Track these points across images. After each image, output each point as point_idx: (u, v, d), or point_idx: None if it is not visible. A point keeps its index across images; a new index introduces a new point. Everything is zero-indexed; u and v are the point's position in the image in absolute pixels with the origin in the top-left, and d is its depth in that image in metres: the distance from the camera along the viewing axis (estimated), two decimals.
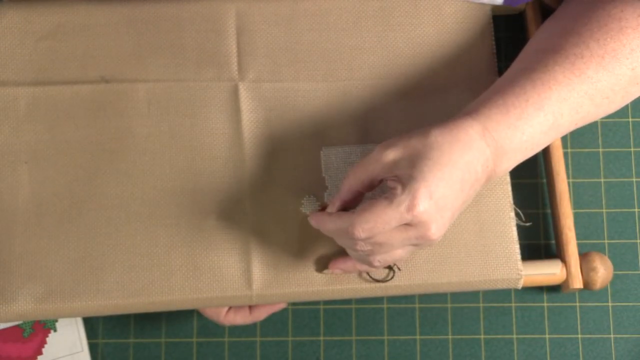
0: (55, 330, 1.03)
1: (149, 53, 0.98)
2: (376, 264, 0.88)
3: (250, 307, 0.99)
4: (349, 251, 0.90)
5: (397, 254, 0.87)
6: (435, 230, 0.83)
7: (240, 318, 0.99)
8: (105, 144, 0.96)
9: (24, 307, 0.92)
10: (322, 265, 0.95)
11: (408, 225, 0.83)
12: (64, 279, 0.93)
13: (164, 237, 0.95)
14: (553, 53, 0.91)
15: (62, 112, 0.97)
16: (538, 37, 0.96)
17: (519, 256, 0.96)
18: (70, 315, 0.94)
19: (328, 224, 0.88)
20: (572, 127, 0.91)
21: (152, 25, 0.99)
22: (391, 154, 0.85)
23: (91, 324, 1.05)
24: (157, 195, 0.95)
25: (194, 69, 0.98)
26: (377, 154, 0.86)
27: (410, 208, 0.82)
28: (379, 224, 0.83)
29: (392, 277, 0.95)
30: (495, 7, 1.03)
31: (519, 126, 0.87)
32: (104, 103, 0.97)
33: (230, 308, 0.98)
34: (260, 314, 0.99)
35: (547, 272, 1.00)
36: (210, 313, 0.98)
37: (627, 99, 0.93)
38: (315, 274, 0.95)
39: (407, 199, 0.82)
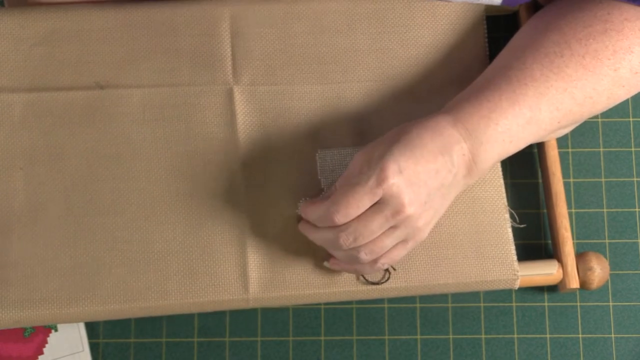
0: (56, 330, 1.04)
1: (143, 58, 0.98)
2: (363, 256, 0.88)
3: None
4: (337, 253, 0.91)
5: (384, 244, 0.88)
6: (409, 203, 0.85)
7: None
8: (101, 149, 0.96)
9: (20, 313, 0.93)
10: (319, 267, 0.95)
11: (381, 203, 0.85)
12: (60, 284, 0.93)
13: (160, 242, 0.95)
14: (533, 50, 0.91)
15: (57, 118, 0.97)
16: (520, 34, 0.97)
17: (514, 257, 0.96)
18: (67, 320, 0.94)
19: (309, 213, 0.90)
20: (556, 125, 0.92)
21: (146, 30, 0.99)
22: (369, 153, 0.87)
23: (92, 324, 1.05)
24: (152, 200, 0.95)
25: (189, 73, 0.98)
26: (355, 160, 0.88)
27: (379, 182, 0.84)
28: (352, 203, 0.85)
29: (387, 279, 0.95)
30: (489, 8, 1.03)
31: (492, 118, 0.88)
32: (98, 109, 0.97)
33: None
34: None
35: (543, 272, 1.00)
36: None
37: (613, 101, 0.93)
38: (312, 276, 0.95)
39: (374, 173, 0.84)
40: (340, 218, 0.86)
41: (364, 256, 0.88)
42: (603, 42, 0.90)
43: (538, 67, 0.90)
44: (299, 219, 0.96)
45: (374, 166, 0.85)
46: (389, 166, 0.84)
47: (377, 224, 0.86)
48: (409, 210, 0.85)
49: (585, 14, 0.92)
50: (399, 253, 0.91)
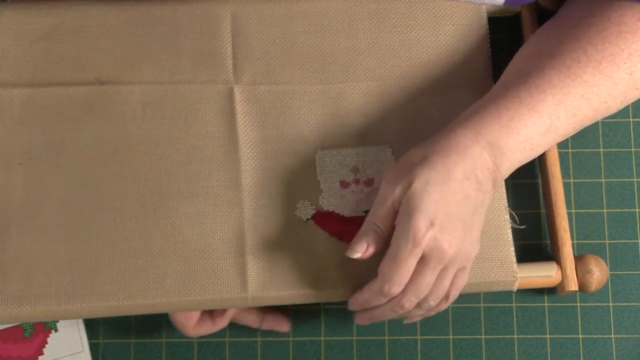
0: (56, 331, 1.04)
1: (144, 55, 0.98)
2: (432, 303, 0.90)
3: (212, 315, 1.00)
4: (404, 314, 0.93)
5: (444, 285, 0.90)
6: (449, 247, 0.86)
7: (205, 329, 1.00)
8: (101, 146, 0.96)
9: (18, 309, 0.92)
10: (318, 267, 0.95)
11: (425, 257, 0.86)
12: (59, 280, 0.93)
13: (159, 239, 0.95)
14: (550, 57, 0.91)
15: (57, 114, 0.97)
16: (535, 40, 0.96)
17: (514, 259, 0.96)
18: (66, 317, 0.94)
19: (364, 299, 0.92)
20: (571, 130, 0.92)
21: (147, 27, 0.99)
22: (397, 188, 0.88)
23: (92, 324, 1.06)
24: (152, 198, 0.95)
25: (189, 71, 0.98)
26: (386, 193, 0.89)
27: (416, 243, 0.85)
28: (402, 272, 0.86)
29: None
30: (491, 8, 1.02)
31: (512, 126, 0.88)
32: (99, 105, 0.97)
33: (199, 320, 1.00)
34: (223, 321, 1.01)
35: (542, 274, 1.00)
36: (179, 324, 1.00)
37: (626, 103, 0.93)
38: (311, 275, 0.95)
39: (409, 236, 0.85)
40: (397, 288, 0.87)
41: (433, 303, 0.90)
42: (618, 45, 0.90)
43: (556, 74, 0.90)
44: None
45: (406, 227, 0.86)
46: (420, 225, 0.85)
47: (430, 276, 0.87)
48: (450, 251, 0.86)
49: (597, 18, 0.92)
50: (462, 280, 0.92)
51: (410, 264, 0.86)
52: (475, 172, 0.87)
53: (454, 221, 0.86)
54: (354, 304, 0.94)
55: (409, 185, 0.87)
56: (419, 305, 0.90)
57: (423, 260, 0.86)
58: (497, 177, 0.89)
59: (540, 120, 0.89)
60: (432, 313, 0.95)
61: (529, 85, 0.90)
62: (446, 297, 0.91)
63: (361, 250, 0.90)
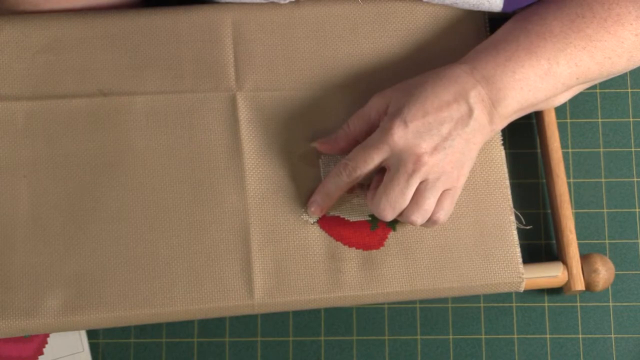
0: None
1: (146, 65, 0.98)
2: (416, 219, 0.90)
3: None
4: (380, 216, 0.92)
5: (428, 202, 0.89)
6: (424, 150, 0.86)
7: None
8: (104, 157, 0.96)
9: (24, 321, 0.92)
10: (324, 273, 0.95)
11: (399, 163, 0.87)
12: (65, 292, 0.93)
13: (165, 249, 0.94)
14: (554, 9, 0.92)
15: (60, 126, 0.97)
16: None
17: (520, 259, 0.96)
18: (73, 328, 0.94)
19: (326, 184, 0.94)
20: (574, 80, 0.92)
21: (148, 37, 0.98)
22: (383, 100, 0.91)
23: None
24: (157, 207, 0.95)
25: (192, 80, 0.98)
26: (372, 102, 0.91)
27: (384, 139, 0.87)
28: (361, 152, 0.89)
29: None
30: (491, 14, 1.02)
31: (508, 65, 0.89)
32: (102, 116, 0.97)
33: None
34: None
35: (548, 274, 1.00)
36: None
37: (633, 63, 0.94)
38: (318, 281, 0.95)
39: (380, 132, 0.87)
40: (353, 165, 0.89)
41: (417, 219, 0.90)
42: (627, 7, 0.91)
43: (558, 25, 0.91)
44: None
45: (381, 124, 0.88)
46: (392, 123, 0.87)
47: (402, 182, 0.87)
48: (425, 156, 0.86)
49: None
50: (449, 202, 0.91)
51: (373, 154, 0.88)
52: (468, 98, 0.88)
53: (433, 133, 0.87)
54: (317, 196, 0.95)
55: (394, 99, 0.89)
56: (402, 217, 0.90)
57: (396, 166, 0.87)
58: (493, 113, 0.90)
59: (538, 63, 0.90)
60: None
61: (529, 32, 0.91)
62: (434, 220, 0.91)
63: (326, 140, 0.94)
